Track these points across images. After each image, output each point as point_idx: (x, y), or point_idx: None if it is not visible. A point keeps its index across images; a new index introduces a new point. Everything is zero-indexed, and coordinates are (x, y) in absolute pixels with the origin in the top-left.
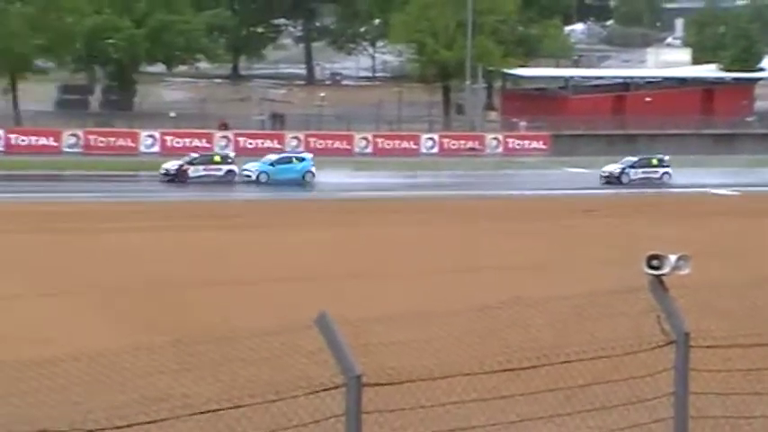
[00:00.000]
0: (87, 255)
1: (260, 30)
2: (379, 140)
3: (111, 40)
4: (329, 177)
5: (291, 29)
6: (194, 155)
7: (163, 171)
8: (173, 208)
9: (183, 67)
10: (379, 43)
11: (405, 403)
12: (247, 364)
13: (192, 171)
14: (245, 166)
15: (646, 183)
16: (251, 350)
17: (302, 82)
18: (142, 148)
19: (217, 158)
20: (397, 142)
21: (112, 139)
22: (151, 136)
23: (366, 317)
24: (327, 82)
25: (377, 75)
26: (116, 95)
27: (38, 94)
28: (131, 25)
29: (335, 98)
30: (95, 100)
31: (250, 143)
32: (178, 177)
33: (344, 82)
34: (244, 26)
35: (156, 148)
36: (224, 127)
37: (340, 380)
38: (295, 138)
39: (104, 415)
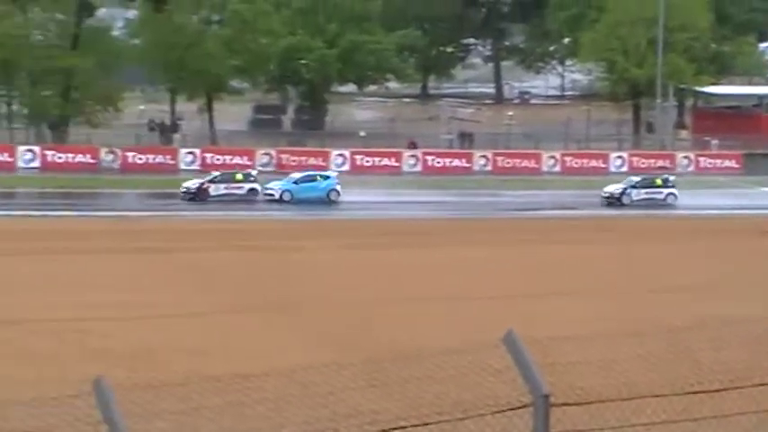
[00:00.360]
0: (275, 272)
1: (449, 49)
2: (567, 159)
3: (303, 61)
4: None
5: (480, 48)
6: (215, 173)
7: (183, 189)
8: (359, 226)
9: (373, 87)
10: (569, 62)
11: (594, 424)
12: (435, 382)
13: (213, 189)
14: (268, 185)
15: (649, 204)
16: (438, 368)
17: (491, 101)
18: (333, 167)
19: (238, 176)
20: (585, 161)
21: (304, 158)
22: (341, 155)
23: (553, 336)
24: (516, 101)
25: (566, 93)
26: (308, 115)
27: (232, 114)
28: (323, 46)
29: (524, 117)
30: (288, 119)
31: (438, 162)
32: (198, 196)
33: (533, 101)
34: (433, 46)
35: (346, 167)
36: (413, 146)
37: (527, 399)
38: (483, 156)
39: (295, 430)
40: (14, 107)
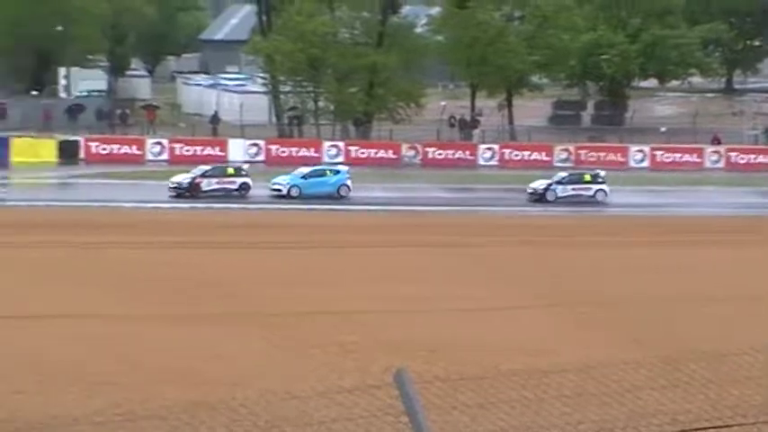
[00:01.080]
0: (572, 267)
1: (756, 43)
2: None
3: (604, 56)
4: None
5: None
6: (206, 167)
7: (173, 185)
8: (638, 223)
9: (675, 82)
10: None
11: None
12: (737, 383)
13: (205, 184)
14: (276, 180)
15: (576, 201)
16: (741, 369)
17: None
18: (632, 163)
19: (230, 171)
20: None
21: (602, 153)
22: (641, 151)
23: None
24: None
25: None
26: (608, 110)
27: (531, 109)
28: (625, 41)
29: None
30: (587, 115)
31: (741, 159)
32: (190, 191)
33: None
34: (740, 40)
35: (645, 164)
36: (716, 142)
37: None
38: None
39: (593, 427)
40: (321, 104)
